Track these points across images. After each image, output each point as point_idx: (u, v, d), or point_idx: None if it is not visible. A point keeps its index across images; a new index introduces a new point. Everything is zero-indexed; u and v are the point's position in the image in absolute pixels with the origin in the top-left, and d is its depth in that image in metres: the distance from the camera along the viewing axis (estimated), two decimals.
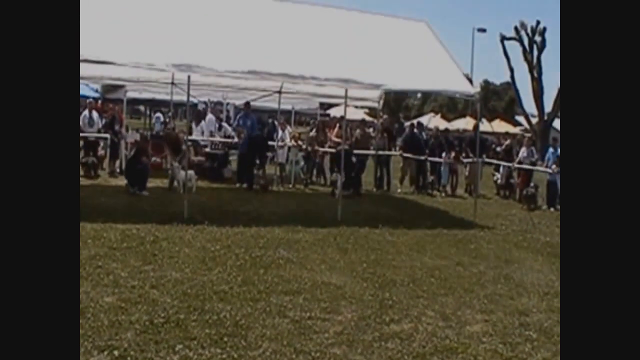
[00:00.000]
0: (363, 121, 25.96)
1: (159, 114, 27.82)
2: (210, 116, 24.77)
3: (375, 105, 25.06)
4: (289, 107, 26.63)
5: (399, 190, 22.53)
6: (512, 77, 54.78)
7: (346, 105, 17.31)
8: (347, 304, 8.36)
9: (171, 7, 15.71)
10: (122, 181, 18.67)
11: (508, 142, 25.99)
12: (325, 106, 37.00)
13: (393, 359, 6.60)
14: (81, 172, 19.56)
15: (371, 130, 26.18)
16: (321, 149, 22.88)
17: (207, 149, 23.58)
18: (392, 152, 23.34)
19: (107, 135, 21.50)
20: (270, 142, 22.39)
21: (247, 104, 21.88)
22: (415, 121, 32.10)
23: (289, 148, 22.66)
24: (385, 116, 28.91)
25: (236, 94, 24.23)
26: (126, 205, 14.98)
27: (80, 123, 20.51)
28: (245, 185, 20.08)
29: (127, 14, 14.74)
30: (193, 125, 24.57)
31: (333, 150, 21.49)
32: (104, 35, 13.54)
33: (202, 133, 24.05)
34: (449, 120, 57.47)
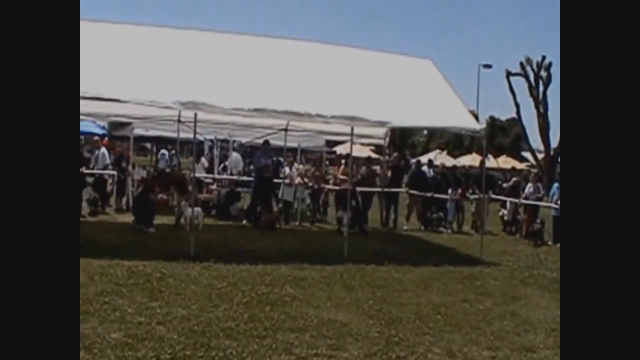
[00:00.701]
0: (369, 158, 26.00)
1: (163, 151, 27.97)
2: (235, 154, 24.79)
3: (381, 142, 25.11)
4: (295, 144, 26.74)
5: (405, 228, 22.54)
6: (518, 113, 55.02)
7: (352, 143, 17.35)
8: (353, 341, 8.34)
9: (177, 45, 15.88)
10: (128, 218, 18.75)
11: (515, 178, 26.02)
12: (332, 143, 37.10)
13: None
14: (88, 209, 19.66)
15: (378, 167, 26.25)
16: (327, 186, 22.92)
17: (214, 187, 23.71)
18: (399, 190, 23.37)
19: (114, 172, 21.66)
20: (275, 180, 22.38)
21: (267, 142, 21.82)
22: (423, 158, 32.17)
23: (296, 186, 22.67)
24: (395, 154, 28.93)
25: (243, 132, 24.32)
26: (133, 242, 15.01)
27: (94, 161, 20.93)
28: (251, 223, 20.11)
29: (133, 51, 14.93)
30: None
31: (338, 187, 21.52)
32: (109, 72, 13.71)
33: (206, 170, 24.18)
34: (455, 156, 57.51)
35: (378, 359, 7.70)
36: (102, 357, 6.94)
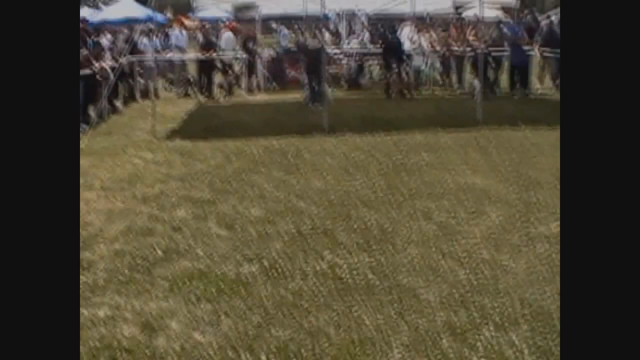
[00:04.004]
0: (499, 21, 24.92)
1: (284, 30, 27.65)
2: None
3: (511, 3, 24.05)
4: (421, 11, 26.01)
5: (539, 90, 21.88)
6: None
7: (481, 2, 16.63)
8: (492, 205, 8.24)
9: None
10: (260, 98, 18.99)
11: None
12: (459, 6, 36.05)
13: (542, 262, 6.45)
14: (221, 94, 20.03)
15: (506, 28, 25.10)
16: (457, 49, 22.28)
17: (344, 61, 23.62)
18: (531, 52, 22.40)
19: (244, 55, 21.76)
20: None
21: None
22: (552, 15, 30.69)
23: (426, 52, 22.22)
24: (526, 11, 27.50)
25: (369, 4, 23.99)
26: (266, 121, 15.16)
27: (223, 44, 21.20)
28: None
29: None
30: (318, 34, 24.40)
31: (470, 51, 20.90)
32: None
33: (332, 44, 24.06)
34: None
35: (518, 223, 7.58)
36: (244, 234, 7.10)
